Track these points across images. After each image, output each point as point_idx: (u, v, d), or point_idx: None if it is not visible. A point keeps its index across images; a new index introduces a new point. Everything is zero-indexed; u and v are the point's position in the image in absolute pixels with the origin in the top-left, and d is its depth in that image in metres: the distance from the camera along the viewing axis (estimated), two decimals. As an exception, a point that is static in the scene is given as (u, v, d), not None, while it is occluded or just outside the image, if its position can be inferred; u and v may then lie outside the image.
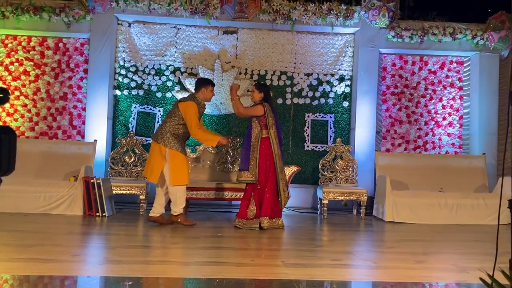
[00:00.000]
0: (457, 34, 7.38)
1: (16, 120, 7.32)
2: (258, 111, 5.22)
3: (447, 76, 7.81)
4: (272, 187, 5.20)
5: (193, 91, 5.48)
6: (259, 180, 5.15)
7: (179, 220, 5.21)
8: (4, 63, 7.36)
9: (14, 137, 1.44)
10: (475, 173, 6.90)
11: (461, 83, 7.81)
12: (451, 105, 7.77)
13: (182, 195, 5.21)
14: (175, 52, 7.54)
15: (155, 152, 5.15)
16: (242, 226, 5.14)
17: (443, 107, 7.76)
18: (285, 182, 5.33)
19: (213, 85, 5.40)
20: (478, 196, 6.24)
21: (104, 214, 5.68)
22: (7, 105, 7.30)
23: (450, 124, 7.75)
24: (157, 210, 5.29)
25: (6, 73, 7.35)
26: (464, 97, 7.76)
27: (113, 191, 6.14)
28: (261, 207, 5.14)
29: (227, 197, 6.34)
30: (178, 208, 5.20)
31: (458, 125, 7.76)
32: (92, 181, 5.73)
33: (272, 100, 5.47)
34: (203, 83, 5.35)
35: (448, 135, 7.75)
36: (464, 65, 7.81)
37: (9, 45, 7.38)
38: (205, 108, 5.41)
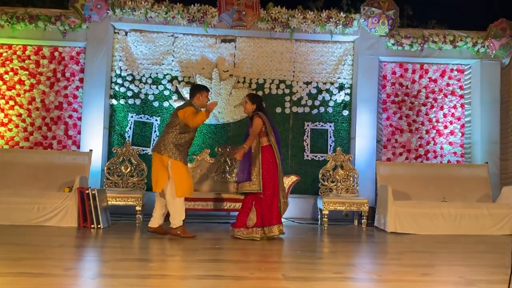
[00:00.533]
0: (457, 42, 7.31)
1: (10, 130, 7.19)
2: (259, 126, 5.13)
3: (448, 84, 7.73)
4: (276, 194, 5.15)
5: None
6: (264, 189, 5.06)
7: (178, 232, 5.08)
8: (-1, 72, 7.26)
9: None
10: (478, 182, 6.78)
11: (462, 91, 7.73)
12: (452, 113, 7.68)
13: (181, 207, 5.10)
14: (172, 60, 7.45)
15: (157, 164, 5.09)
16: (243, 236, 5.04)
17: (444, 115, 7.67)
18: (284, 188, 5.30)
19: (208, 90, 5.38)
20: (481, 206, 6.11)
21: (99, 226, 5.53)
22: (1, 115, 7.18)
23: (451, 132, 7.65)
24: (157, 220, 5.20)
25: (1, 83, 7.24)
26: (466, 105, 7.67)
27: (109, 202, 6.00)
28: (271, 216, 5.07)
29: (226, 207, 6.21)
30: (177, 220, 5.09)
31: (460, 134, 7.66)
32: (87, 192, 5.59)
33: (265, 110, 5.42)
34: (198, 89, 5.33)
35: (450, 143, 7.64)
36: (465, 73, 7.73)
37: (4, 54, 7.28)
38: None
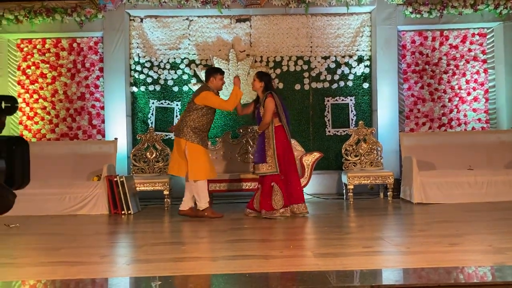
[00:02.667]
0: (478, 5, 7.09)
1: (36, 123, 7.36)
2: (271, 107, 5.11)
3: (469, 50, 7.54)
4: (297, 173, 5.23)
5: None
6: (280, 170, 5.07)
7: (206, 214, 5.21)
8: (21, 67, 7.39)
9: (27, 148, 1.36)
10: (505, 148, 6.67)
11: (484, 55, 7.54)
12: (475, 79, 7.52)
13: (203, 190, 5.19)
14: (188, 44, 7.46)
15: (177, 148, 5.23)
16: (272, 217, 5.00)
17: (467, 82, 7.51)
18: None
19: (222, 73, 5.43)
20: (509, 172, 6.04)
21: (129, 212, 5.67)
22: (27, 109, 7.35)
23: (475, 99, 7.51)
24: (187, 203, 5.31)
25: (24, 77, 7.38)
26: (489, 70, 7.49)
27: (137, 188, 6.15)
28: (294, 195, 5.13)
29: (250, 187, 6.27)
30: (202, 203, 5.20)
31: (484, 100, 7.51)
32: (115, 179, 5.73)
33: (274, 89, 5.41)
34: (212, 73, 5.39)
35: (474, 110, 7.51)
36: (487, 36, 7.53)
37: (25, 49, 7.40)
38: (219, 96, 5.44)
